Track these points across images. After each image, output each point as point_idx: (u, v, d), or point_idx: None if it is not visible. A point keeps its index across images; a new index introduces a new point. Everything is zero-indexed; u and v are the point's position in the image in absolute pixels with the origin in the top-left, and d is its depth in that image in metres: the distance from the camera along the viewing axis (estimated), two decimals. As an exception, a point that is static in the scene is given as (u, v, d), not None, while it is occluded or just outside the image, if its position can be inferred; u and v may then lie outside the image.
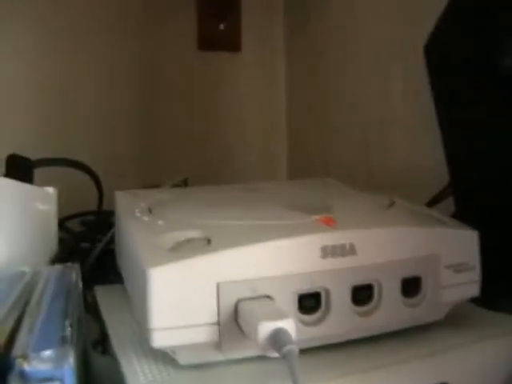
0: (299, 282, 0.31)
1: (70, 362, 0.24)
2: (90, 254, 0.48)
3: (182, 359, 0.31)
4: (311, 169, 0.85)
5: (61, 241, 0.51)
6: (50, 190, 0.45)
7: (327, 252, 0.31)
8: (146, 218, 0.36)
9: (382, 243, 0.32)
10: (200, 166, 0.81)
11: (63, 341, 0.26)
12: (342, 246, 0.31)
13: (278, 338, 0.27)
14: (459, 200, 0.45)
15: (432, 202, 0.50)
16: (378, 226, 0.33)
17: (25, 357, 0.23)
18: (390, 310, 0.33)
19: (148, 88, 0.83)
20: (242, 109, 0.90)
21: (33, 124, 0.76)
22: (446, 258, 0.34)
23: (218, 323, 0.29)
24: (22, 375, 0.23)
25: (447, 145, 0.45)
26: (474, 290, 0.35)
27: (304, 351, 0.32)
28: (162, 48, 0.82)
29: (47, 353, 0.24)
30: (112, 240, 0.48)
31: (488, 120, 0.41)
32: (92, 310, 0.44)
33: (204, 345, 0.30)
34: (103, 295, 0.44)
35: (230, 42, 0.82)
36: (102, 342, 0.41)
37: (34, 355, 0.24)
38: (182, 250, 0.31)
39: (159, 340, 0.29)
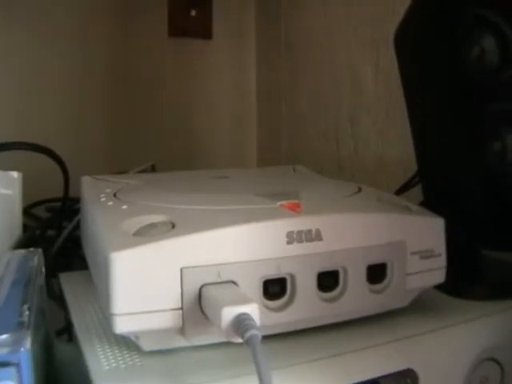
0: (264, 268, 0.30)
1: (27, 346, 0.23)
2: (56, 240, 0.48)
3: (146, 345, 0.31)
4: (281, 159, 0.85)
5: (25, 227, 0.50)
6: (14, 174, 0.44)
7: (293, 238, 0.31)
8: (110, 203, 0.36)
9: (348, 229, 0.32)
10: (169, 154, 0.81)
11: (20, 326, 0.25)
12: (308, 232, 0.31)
13: (241, 324, 0.26)
14: (426, 188, 0.45)
15: (400, 191, 0.51)
16: (345, 211, 0.33)
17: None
18: (356, 297, 0.33)
19: (118, 74, 0.81)
20: (213, 97, 0.90)
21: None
22: (412, 244, 0.34)
23: (182, 308, 0.29)
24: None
25: (415, 133, 0.45)
26: (439, 277, 0.36)
27: (270, 337, 0.32)
28: (133, 35, 0.81)
29: (3, 337, 0.23)
30: (78, 226, 0.47)
31: (452, 110, 0.41)
32: (57, 297, 0.44)
33: (167, 330, 0.29)
34: (68, 282, 0.43)
35: (201, 30, 0.81)
36: (67, 330, 0.40)
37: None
38: (145, 234, 0.30)
39: (122, 326, 0.28)
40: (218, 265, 0.29)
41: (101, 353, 0.31)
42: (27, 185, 0.48)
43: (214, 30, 0.83)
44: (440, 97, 0.43)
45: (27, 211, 0.57)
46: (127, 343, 0.32)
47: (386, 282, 0.34)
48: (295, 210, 0.32)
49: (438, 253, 0.35)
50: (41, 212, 0.60)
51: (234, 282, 0.30)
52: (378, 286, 0.34)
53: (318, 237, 0.31)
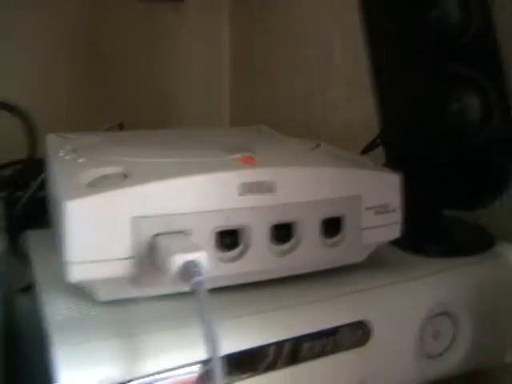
0: (216, 219, 0.31)
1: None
2: (20, 199, 0.47)
3: (100, 296, 0.31)
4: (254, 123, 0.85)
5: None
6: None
7: (245, 189, 0.31)
8: (67, 157, 0.36)
9: (302, 182, 0.32)
10: (141, 115, 0.81)
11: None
12: (261, 184, 0.31)
13: (188, 270, 0.27)
14: (388, 150, 0.46)
15: (363, 152, 0.51)
16: (299, 165, 0.34)
17: None
18: (310, 250, 0.33)
19: (91, 37, 0.81)
20: (185, 60, 0.90)
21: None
22: (367, 199, 0.34)
23: (134, 257, 0.29)
24: None
25: (377, 94, 0.45)
26: (394, 232, 0.36)
27: (224, 290, 0.32)
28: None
29: None
30: (43, 186, 0.47)
31: (415, 68, 0.42)
32: (21, 255, 0.44)
33: (120, 280, 0.30)
34: (32, 239, 0.43)
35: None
36: (30, 288, 0.41)
37: None
38: (98, 185, 0.30)
39: (75, 274, 0.29)
40: (169, 215, 0.30)
41: (57, 304, 0.32)
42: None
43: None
44: (404, 57, 0.43)
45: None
46: (84, 296, 0.32)
47: (340, 236, 0.34)
48: (248, 162, 0.32)
49: (393, 208, 0.36)
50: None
51: (185, 232, 0.30)
52: (332, 240, 0.34)
53: (270, 189, 0.31)
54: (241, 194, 0.31)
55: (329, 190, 0.33)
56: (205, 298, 0.26)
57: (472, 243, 0.42)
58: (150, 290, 0.31)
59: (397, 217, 0.36)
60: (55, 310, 0.31)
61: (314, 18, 0.71)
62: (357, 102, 0.63)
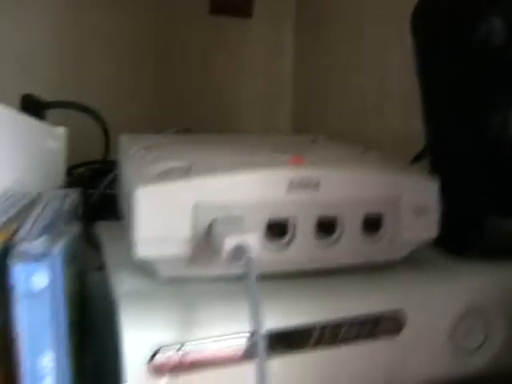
0: (266, 210, 0.34)
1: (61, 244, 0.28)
2: (92, 195, 0.53)
3: (163, 275, 0.35)
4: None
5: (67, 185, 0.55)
6: (61, 129, 0.49)
7: (293, 185, 0.35)
8: (138, 154, 0.40)
9: (346, 181, 0.36)
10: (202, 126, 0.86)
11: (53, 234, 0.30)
12: (307, 181, 0.35)
13: (240, 250, 0.31)
14: (433, 162, 0.48)
15: (413, 161, 0.54)
16: (344, 164, 0.37)
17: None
18: (351, 243, 0.36)
19: (161, 49, 0.87)
20: (249, 75, 0.94)
21: (52, 72, 0.81)
22: (406, 200, 0.37)
23: (192, 239, 0.33)
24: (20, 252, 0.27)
25: (426, 112, 0.48)
26: (431, 232, 0.39)
27: (271, 278, 0.35)
28: (175, 11, 0.86)
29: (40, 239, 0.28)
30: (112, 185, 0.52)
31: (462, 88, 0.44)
32: (93, 242, 0.49)
33: (179, 259, 0.34)
34: (104, 228, 0.48)
35: (242, 8, 0.85)
36: (101, 269, 0.45)
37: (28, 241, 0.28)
38: (165, 175, 0.35)
39: (142, 251, 0.33)
40: (226, 203, 0.34)
41: (125, 280, 0.36)
42: (70, 146, 0.53)
43: (254, 8, 0.88)
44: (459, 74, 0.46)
45: (70, 172, 0.62)
46: (149, 275, 0.36)
47: (381, 232, 0.37)
48: (298, 161, 0.36)
49: (431, 210, 0.38)
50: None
51: (239, 220, 0.34)
52: (372, 236, 0.37)
53: (315, 186, 0.35)
54: (289, 190, 0.35)
55: (370, 189, 0.36)
56: (254, 275, 0.30)
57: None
58: (206, 270, 0.35)
59: (434, 219, 0.39)
60: (123, 285, 0.35)
61: (372, 31, 0.74)
62: (411, 118, 0.66)
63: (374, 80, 0.74)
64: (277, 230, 0.35)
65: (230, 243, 0.31)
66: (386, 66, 0.72)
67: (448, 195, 0.40)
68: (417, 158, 0.53)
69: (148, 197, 0.33)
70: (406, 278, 0.39)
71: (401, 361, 0.37)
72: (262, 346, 0.29)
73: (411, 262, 0.40)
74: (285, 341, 0.34)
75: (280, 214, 0.35)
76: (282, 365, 0.34)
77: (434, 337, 0.38)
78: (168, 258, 0.34)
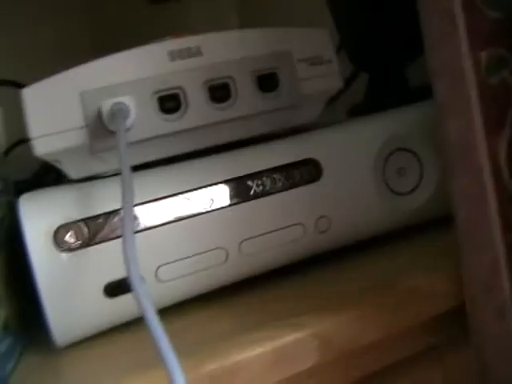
0: (153, 84, 0.35)
1: None
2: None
3: (71, 173, 0.36)
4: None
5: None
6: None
7: (175, 55, 0.35)
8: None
9: (227, 44, 0.36)
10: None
11: None
12: (188, 49, 0.35)
13: (115, 113, 0.32)
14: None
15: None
16: (225, 31, 0.37)
17: None
18: (248, 104, 0.36)
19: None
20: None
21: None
22: (297, 52, 0.37)
23: (86, 126, 0.34)
24: None
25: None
26: (335, 82, 0.39)
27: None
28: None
29: None
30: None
31: None
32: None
33: (77, 149, 0.34)
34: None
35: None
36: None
37: None
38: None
39: (39, 147, 0.34)
40: (111, 85, 0.34)
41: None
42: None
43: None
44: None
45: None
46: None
47: (278, 89, 0.37)
48: (178, 36, 0.37)
49: (328, 59, 0.38)
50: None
51: (128, 99, 0.34)
52: (270, 94, 0.37)
53: (198, 53, 0.36)
54: (172, 60, 0.35)
55: (256, 47, 0.37)
56: (124, 138, 0.30)
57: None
58: (104, 155, 0.35)
59: (333, 67, 0.38)
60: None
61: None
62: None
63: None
64: (169, 102, 0.36)
65: (105, 109, 0.32)
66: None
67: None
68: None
69: (34, 95, 0.34)
70: (319, 131, 0.38)
71: (328, 205, 0.37)
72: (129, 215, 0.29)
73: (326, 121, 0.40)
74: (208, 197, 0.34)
75: (167, 85, 0.35)
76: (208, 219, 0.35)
77: (359, 178, 0.38)
78: (66, 150, 0.35)
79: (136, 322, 0.34)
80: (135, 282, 0.24)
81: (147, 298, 0.24)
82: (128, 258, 0.25)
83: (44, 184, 0.40)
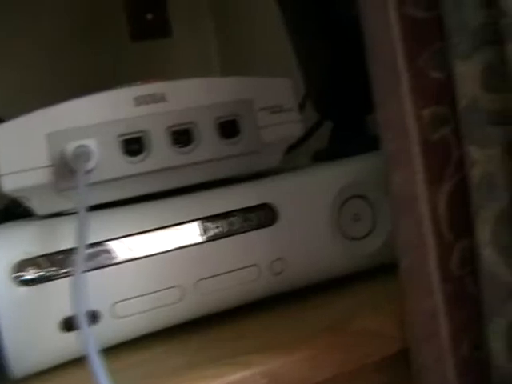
0: (118, 127, 0.37)
1: None
2: None
3: (37, 210, 0.37)
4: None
5: None
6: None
7: (140, 101, 0.37)
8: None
9: (192, 91, 0.38)
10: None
11: None
12: (153, 95, 0.37)
13: (78, 155, 0.33)
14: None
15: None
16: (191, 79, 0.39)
17: None
18: (209, 149, 0.38)
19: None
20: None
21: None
22: (259, 101, 0.39)
23: (52, 166, 0.36)
24: None
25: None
26: (295, 130, 0.41)
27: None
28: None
29: None
30: None
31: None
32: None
33: (43, 186, 0.36)
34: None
35: (160, 28, 0.88)
36: None
37: None
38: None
39: (8, 184, 0.35)
40: (77, 128, 0.36)
41: None
42: None
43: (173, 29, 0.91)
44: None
45: None
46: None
47: (239, 136, 0.39)
48: (146, 82, 0.39)
49: (289, 108, 0.40)
50: None
51: (93, 141, 0.36)
52: (232, 140, 0.39)
53: (162, 99, 0.37)
54: (137, 105, 0.37)
55: (220, 95, 0.39)
56: (83, 179, 0.32)
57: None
58: (69, 191, 0.37)
59: (294, 115, 0.40)
60: None
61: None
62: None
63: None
64: (132, 145, 0.37)
65: (69, 150, 0.34)
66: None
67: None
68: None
69: (4, 133, 0.36)
70: (278, 176, 0.40)
71: (283, 249, 0.38)
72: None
73: (289, 166, 0.42)
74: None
75: (131, 128, 0.37)
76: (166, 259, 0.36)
77: (314, 224, 0.39)
78: (33, 188, 0.36)
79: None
80: (80, 321, 0.25)
81: (90, 337, 0.25)
82: (75, 297, 0.26)
83: (13, 217, 0.41)
